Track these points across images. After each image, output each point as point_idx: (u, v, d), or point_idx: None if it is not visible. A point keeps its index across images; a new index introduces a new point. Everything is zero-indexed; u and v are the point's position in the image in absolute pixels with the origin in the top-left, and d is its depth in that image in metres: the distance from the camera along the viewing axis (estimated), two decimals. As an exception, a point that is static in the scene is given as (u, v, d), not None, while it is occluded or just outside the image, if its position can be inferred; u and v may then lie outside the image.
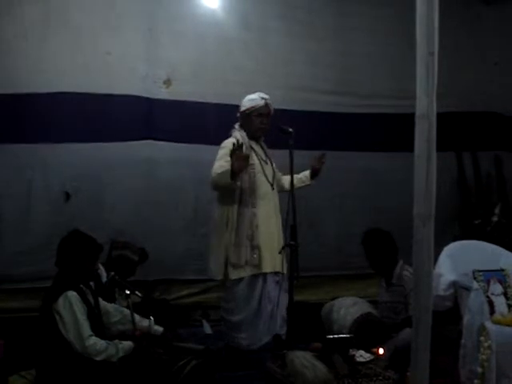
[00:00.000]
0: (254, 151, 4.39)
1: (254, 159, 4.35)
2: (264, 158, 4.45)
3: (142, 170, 5.34)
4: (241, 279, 4.25)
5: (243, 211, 4.25)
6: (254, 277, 4.26)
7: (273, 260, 4.23)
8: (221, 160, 4.23)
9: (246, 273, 4.24)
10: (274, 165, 4.48)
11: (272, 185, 4.37)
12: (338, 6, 5.79)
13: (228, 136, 4.41)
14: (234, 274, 4.24)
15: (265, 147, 4.50)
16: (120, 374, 3.19)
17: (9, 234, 5.06)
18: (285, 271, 4.24)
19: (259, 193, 4.30)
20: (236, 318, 4.27)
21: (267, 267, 4.22)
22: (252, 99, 4.37)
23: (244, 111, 4.38)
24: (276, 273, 4.25)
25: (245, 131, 4.39)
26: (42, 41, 5.07)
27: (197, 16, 5.40)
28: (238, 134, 4.36)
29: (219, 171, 4.13)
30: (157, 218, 5.33)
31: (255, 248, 4.22)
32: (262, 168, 4.37)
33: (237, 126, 4.44)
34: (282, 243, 4.21)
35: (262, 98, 4.36)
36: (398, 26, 5.40)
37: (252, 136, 4.41)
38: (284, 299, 4.18)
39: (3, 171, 5.06)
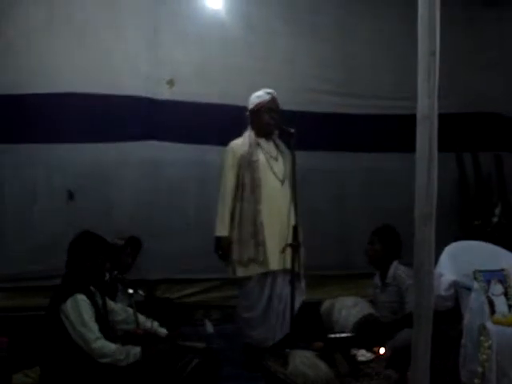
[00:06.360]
0: (262, 148, 4.40)
1: (260, 156, 4.36)
2: (274, 154, 4.43)
3: (145, 171, 5.35)
4: (250, 277, 4.27)
5: (245, 208, 4.27)
6: (264, 275, 4.27)
7: (281, 257, 4.18)
8: (228, 173, 4.31)
9: (252, 271, 4.25)
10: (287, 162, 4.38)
11: (282, 181, 4.35)
12: (341, 6, 5.78)
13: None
14: (240, 272, 4.27)
15: (279, 143, 4.47)
16: (125, 374, 3.21)
17: (12, 233, 5.07)
18: (300, 270, 4.24)
19: (265, 190, 4.29)
20: (247, 314, 4.32)
21: (274, 265, 4.21)
22: (258, 96, 4.40)
23: (252, 109, 4.41)
24: (289, 271, 4.13)
25: (254, 129, 4.41)
26: (45, 41, 5.09)
27: (200, 16, 5.40)
28: (246, 135, 4.41)
29: (220, 217, 4.29)
30: (159, 217, 5.34)
31: (260, 245, 4.22)
32: (270, 164, 4.36)
33: (248, 126, 4.46)
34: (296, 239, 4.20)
35: (268, 93, 4.38)
36: (401, 26, 5.39)
37: (262, 133, 4.42)
38: (296, 299, 4.17)
39: (6, 171, 5.08)
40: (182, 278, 5.50)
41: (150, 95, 5.35)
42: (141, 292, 3.58)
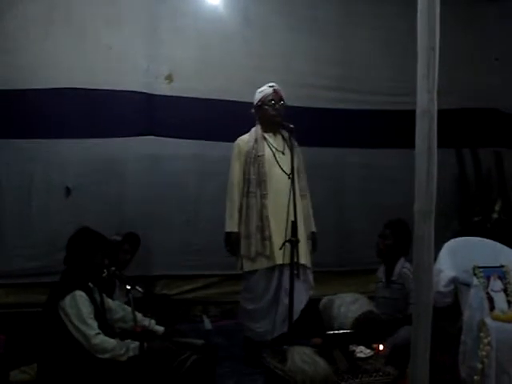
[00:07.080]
0: (268, 143, 4.41)
1: (266, 151, 4.37)
2: (281, 148, 4.43)
3: (144, 166, 5.34)
4: (255, 271, 4.28)
5: (252, 203, 4.29)
6: (271, 269, 4.27)
7: (288, 251, 4.09)
8: (234, 169, 4.35)
9: (259, 265, 4.27)
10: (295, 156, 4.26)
11: (289, 175, 4.26)
12: (339, 2, 5.78)
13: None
14: (247, 266, 4.29)
15: (287, 137, 4.41)
16: (124, 370, 3.20)
17: (10, 230, 5.05)
18: (308, 264, 4.30)
19: (271, 184, 4.31)
20: (251, 307, 4.33)
21: (280, 259, 4.14)
22: (261, 90, 4.45)
23: (257, 104, 4.44)
24: (296, 266, 4.01)
25: (261, 124, 4.44)
26: (44, 36, 5.07)
27: (198, 12, 5.40)
28: (252, 130, 4.43)
29: (228, 212, 4.32)
30: (158, 213, 5.32)
31: (266, 239, 4.24)
32: (276, 159, 4.37)
33: (256, 122, 4.48)
34: (304, 232, 4.24)
35: (270, 86, 4.43)
36: (399, 22, 5.41)
37: (269, 127, 4.44)
38: (302, 293, 4.22)
39: (5, 166, 5.05)
40: (181, 274, 5.49)
41: (149, 91, 5.33)
42: (139, 288, 3.56)
